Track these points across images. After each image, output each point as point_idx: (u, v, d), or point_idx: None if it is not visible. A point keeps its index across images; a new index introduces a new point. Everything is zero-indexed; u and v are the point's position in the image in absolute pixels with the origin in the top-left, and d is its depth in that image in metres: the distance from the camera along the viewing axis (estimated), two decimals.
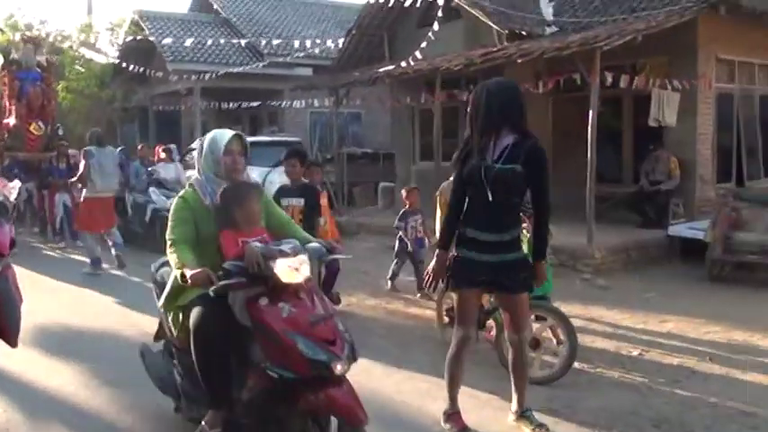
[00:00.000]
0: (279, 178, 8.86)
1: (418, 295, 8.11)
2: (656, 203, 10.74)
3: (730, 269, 8.96)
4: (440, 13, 12.63)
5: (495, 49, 11.36)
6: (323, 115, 20.48)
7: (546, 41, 11.21)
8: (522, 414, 4.28)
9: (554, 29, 12.75)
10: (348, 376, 3.37)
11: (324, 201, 7.00)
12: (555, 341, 5.34)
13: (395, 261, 8.52)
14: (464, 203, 4.12)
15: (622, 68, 10.19)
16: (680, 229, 10.08)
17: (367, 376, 4.81)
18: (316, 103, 16.32)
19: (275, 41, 18.75)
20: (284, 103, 17.86)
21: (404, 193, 8.56)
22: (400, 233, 8.38)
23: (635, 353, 6.07)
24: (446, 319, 6.35)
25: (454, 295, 4.43)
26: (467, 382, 4.50)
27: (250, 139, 13.81)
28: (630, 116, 11.99)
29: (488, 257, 4.00)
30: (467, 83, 12.77)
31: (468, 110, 4.05)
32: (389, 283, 8.55)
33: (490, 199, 3.90)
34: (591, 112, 9.37)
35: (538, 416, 4.34)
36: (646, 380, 5.34)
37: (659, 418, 4.59)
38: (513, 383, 4.34)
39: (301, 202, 6.64)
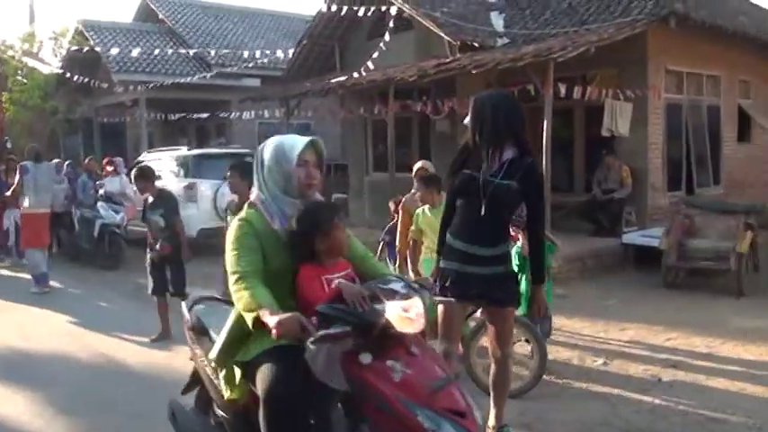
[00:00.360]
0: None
1: None
2: (608, 212, 10.84)
3: (685, 276, 9.10)
4: (391, 24, 12.63)
5: (448, 60, 11.37)
6: (272, 126, 20.27)
7: (498, 53, 11.27)
8: (500, 430, 4.22)
9: (505, 40, 12.83)
10: None
11: None
12: (530, 352, 5.30)
13: None
14: None
15: (573, 80, 10.29)
16: (633, 237, 10.21)
17: None
18: (266, 114, 16.12)
19: (223, 52, 18.52)
20: (232, 114, 17.62)
21: (392, 206, 8.16)
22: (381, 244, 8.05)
23: (599, 362, 6.08)
24: None
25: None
26: None
27: (199, 151, 13.91)
28: (582, 126, 12.14)
29: (478, 270, 3.93)
30: (419, 93, 12.81)
31: (469, 123, 3.98)
32: None
33: (482, 213, 3.84)
34: (545, 122, 9.43)
35: (513, 431, 4.30)
36: (613, 389, 5.34)
37: (630, 429, 4.59)
38: (492, 399, 4.27)
39: None
